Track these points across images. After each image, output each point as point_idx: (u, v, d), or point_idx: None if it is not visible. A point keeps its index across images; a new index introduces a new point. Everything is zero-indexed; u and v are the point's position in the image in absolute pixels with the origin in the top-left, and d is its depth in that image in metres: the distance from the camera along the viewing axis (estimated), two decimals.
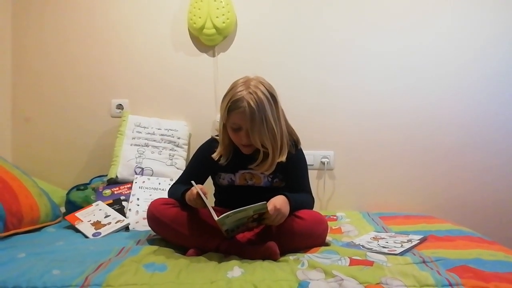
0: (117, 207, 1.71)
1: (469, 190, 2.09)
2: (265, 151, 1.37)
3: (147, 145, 2.01)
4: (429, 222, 1.70)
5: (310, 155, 2.04)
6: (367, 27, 2.11)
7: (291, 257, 1.21)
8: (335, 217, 1.84)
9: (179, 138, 2.06)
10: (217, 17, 2.03)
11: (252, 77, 1.38)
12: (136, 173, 1.92)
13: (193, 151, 1.64)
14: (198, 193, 1.26)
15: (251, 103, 1.30)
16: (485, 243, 1.35)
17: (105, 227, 1.56)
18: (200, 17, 2.04)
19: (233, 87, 1.36)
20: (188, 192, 1.32)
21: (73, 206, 1.78)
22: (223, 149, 1.44)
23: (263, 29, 2.14)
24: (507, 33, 2.07)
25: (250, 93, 1.31)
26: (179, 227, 1.32)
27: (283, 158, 1.39)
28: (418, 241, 1.36)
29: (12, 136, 2.20)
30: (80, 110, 2.18)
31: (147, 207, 1.40)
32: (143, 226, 1.60)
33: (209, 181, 1.54)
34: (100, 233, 1.52)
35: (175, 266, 1.13)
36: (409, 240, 1.37)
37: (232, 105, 1.33)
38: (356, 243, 1.37)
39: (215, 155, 1.44)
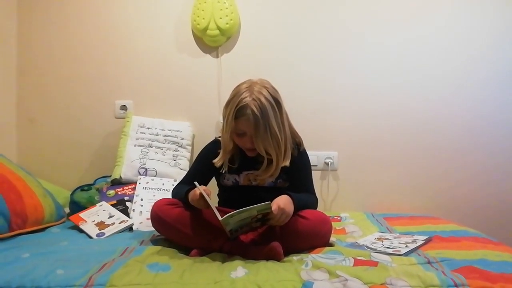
0: (121, 208, 1.71)
1: (473, 189, 2.08)
2: (269, 157, 1.37)
3: (150, 146, 2.01)
4: (433, 223, 1.69)
5: (314, 155, 2.03)
6: (373, 25, 2.10)
7: (295, 258, 1.21)
8: (339, 218, 1.83)
9: (182, 138, 2.06)
10: (220, 18, 2.03)
11: (255, 81, 1.37)
12: (140, 174, 1.92)
13: (196, 151, 1.64)
14: (201, 194, 1.26)
15: (255, 110, 1.30)
16: (491, 244, 1.34)
17: (109, 227, 1.56)
18: (203, 18, 2.04)
19: (236, 93, 1.35)
20: (191, 193, 1.32)
21: (77, 207, 1.78)
22: (225, 155, 1.43)
23: (267, 30, 2.14)
24: (510, 32, 2.06)
25: (254, 99, 1.31)
26: (182, 228, 1.32)
27: (287, 163, 1.39)
28: (423, 241, 1.35)
29: (17, 137, 2.21)
30: (84, 111, 2.19)
31: (150, 208, 1.41)
32: (147, 226, 1.60)
33: (213, 181, 1.54)
34: (104, 234, 1.52)
35: (179, 266, 1.13)
36: (414, 241, 1.36)
37: (236, 113, 1.32)
38: (360, 244, 1.37)
39: (217, 161, 1.43)
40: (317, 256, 1.21)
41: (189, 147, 2.08)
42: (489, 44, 2.07)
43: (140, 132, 2.04)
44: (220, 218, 1.19)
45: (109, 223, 1.59)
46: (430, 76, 2.09)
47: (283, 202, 1.25)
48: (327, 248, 1.29)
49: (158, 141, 2.03)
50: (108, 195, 1.82)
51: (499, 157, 2.07)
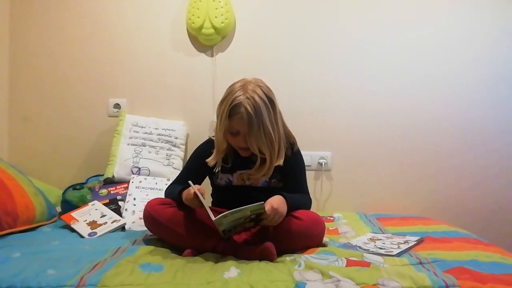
0: (113, 207, 1.70)
1: (465, 190, 2.09)
2: (262, 156, 1.37)
3: (144, 145, 2.00)
4: (425, 223, 1.71)
5: (308, 155, 2.03)
6: (367, 25, 2.11)
7: (288, 258, 1.21)
8: (332, 218, 1.84)
9: (176, 138, 2.06)
10: (216, 17, 2.03)
11: (249, 80, 1.38)
12: (133, 173, 1.91)
13: (190, 151, 1.63)
14: (195, 193, 1.25)
15: (249, 108, 1.30)
16: (482, 245, 1.36)
17: (101, 227, 1.55)
18: (198, 17, 2.03)
19: (230, 92, 1.35)
20: (185, 192, 1.31)
21: (69, 206, 1.76)
22: (218, 155, 1.43)
23: (262, 29, 2.14)
24: (507, 34, 2.07)
25: (248, 98, 1.31)
26: (175, 227, 1.32)
27: (280, 162, 1.39)
28: (415, 242, 1.36)
29: (9, 135, 2.19)
30: (77, 109, 2.17)
31: (143, 207, 1.40)
32: (140, 226, 1.59)
33: (206, 181, 1.54)
34: (95, 233, 1.51)
35: (172, 267, 1.12)
36: (406, 241, 1.37)
37: (230, 111, 1.32)
38: (353, 244, 1.37)
39: (210, 161, 1.43)
40: (310, 257, 1.21)
41: (183, 147, 2.07)
42: (487, 45, 2.08)
43: (134, 131, 2.03)
44: (213, 218, 1.19)
45: (101, 223, 1.58)
46: (426, 77, 2.10)
47: (276, 203, 1.25)
48: (320, 249, 1.29)
49: (151, 140, 2.02)
50: (100, 194, 1.81)
51: (491, 158, 2.09)
